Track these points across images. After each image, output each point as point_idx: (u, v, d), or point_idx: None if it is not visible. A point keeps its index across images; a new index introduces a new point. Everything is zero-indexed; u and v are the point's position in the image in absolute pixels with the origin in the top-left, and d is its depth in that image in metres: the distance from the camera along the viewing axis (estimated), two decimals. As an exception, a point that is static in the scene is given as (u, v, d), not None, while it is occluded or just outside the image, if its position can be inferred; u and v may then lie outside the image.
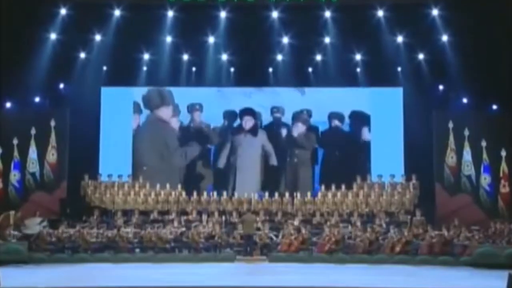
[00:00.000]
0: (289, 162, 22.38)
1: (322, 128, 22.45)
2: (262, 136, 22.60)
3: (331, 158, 22.27)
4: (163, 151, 22.40)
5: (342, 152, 22.19)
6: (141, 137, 22.44)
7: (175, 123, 22.63)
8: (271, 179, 22.09)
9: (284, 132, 22.52)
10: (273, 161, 22.32)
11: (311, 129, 22.47)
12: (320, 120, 22.43)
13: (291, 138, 22.50)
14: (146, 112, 22.56)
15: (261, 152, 22.46)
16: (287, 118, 22.53)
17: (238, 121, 22.56)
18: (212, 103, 22.45)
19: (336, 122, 22.34)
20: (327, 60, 21.38)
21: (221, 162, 22.33)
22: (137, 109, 22.47)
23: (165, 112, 22.60)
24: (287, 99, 22.54)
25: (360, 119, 22.22)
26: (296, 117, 22.51)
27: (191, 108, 22.50)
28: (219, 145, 22.49)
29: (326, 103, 22.20)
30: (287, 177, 22.28)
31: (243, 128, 22.60)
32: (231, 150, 22.44)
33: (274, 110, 22.62)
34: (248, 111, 22.56)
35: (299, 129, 22.47)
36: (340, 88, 22.18)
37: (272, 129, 22.62)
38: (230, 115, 22.61)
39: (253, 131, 22.59)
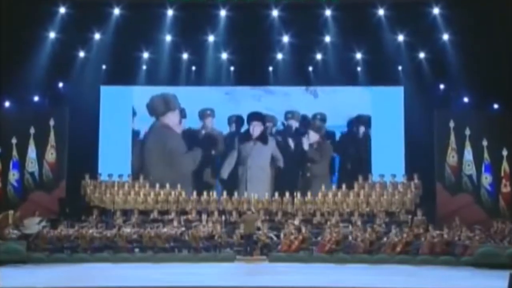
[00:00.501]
0: (302, 176, 21.71)
1: (335, 133, 21.99)
2: (272, 144, 21.94)
3: (345, 164, 21.89)
4: (170, 159, 21.91)
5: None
6: (145, 146, 22.09)
7: (181, 129, 22.23)
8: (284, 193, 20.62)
9: (298, 140, 21.91)
10: (281, 163, 21.88)
11: (327, 136, 21.98)
12: (331, 124, 22.04)
13: (308, 146, 21.89)
14: (150, 119, 22.18)
15: (270, 162, 21.86)
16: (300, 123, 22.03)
17: (246, 127, 22.04)
18: (220, 108, 22.04)
19: (355, 128, 21.93)
20: (328, 59, 21.31)
21: (228, 173, 21.73)
22: (136, 114, 22.19)
23: (171, 118, 22.22)
24: (299, 102, 22.09)
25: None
26: (311, 123, 22.01)
27: (203, 114, 22.12)
28: (225, 154, 21.95)
29: (330, 105, 21.97)
30: (300, 187, 21.19)
31: (251, 135, 22.05)
32: (239, 159, 21.83)
33: (288, 115, 22.10)
34: (256, 116, 21.97)
35: (315, 137, 21.90)
36: (340, 88, 22.10)
37: (285, 137, 22.03)
38: (237, 121, 22.07)
39: (263, 138, 21.94)
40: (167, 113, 22.27)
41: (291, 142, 22.10)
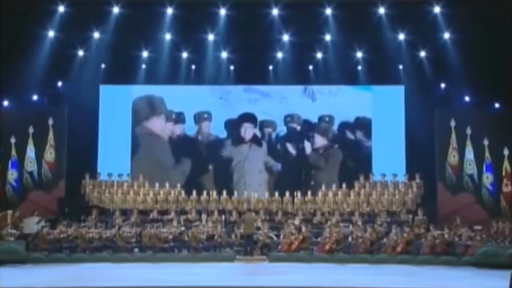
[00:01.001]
0: (306, 184, 21.15)
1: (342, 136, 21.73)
2: (264, 150, 21.46)
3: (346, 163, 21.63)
4: (155, 170, 21.30)
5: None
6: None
7: (168, 135, 21.74)
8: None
9: (301, 145, 21.56)
10: (277, 169, 21.59)
11: (335, 140, 21.67)
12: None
13: (311, 151, 21.57)
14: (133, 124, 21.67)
15: (265, 169, 21.46)
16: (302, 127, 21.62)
17: (240, 130, 21.70)
18: (213, 112, 21.77)
19: (355, 127, 21.73)
20: (328, 58, 21.24)
21: (224, 182, 21.20)
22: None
23: (156, 124, 21.82)
24: (296, 105, 21.81)
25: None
26: (316, 125, 21.65)
27: (199, 118, 21.81)
28: (219, 161, 21.59)
29: (329, 105, 21.82)
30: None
31: (243, 137, 21.66)
32: (234, 165, 21.44)
33: (287, 119, 21.73)
34: (248, 117, 21.62)
35: (322, 141, 21.59)
36: (340, 87, 22.00)
37: (286, 142, 21.63)
38: (231, 125, 21.70)
39: (257, 140, 21.49)
40: (151, 118, 21.92)
41: (291, 148, 21.80)
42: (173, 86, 22.04)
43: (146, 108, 21.93)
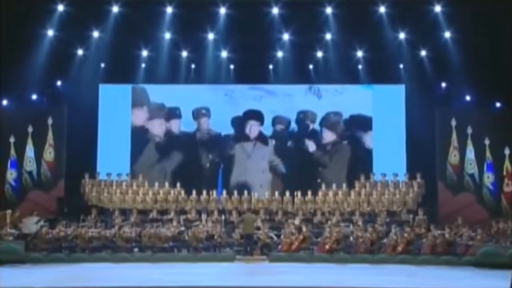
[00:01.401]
0: (312, 183, 20.75)
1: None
2: (271, 148, 21.28)
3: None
4: (138, 168, 21.14)
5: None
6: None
7: (157, 129, 21.63)
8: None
9: (311, 143, 21.46)
10: (281, 169, 21.52)
11: (344, 136, 21.53)
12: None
13: (316, 148, 21.45)
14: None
15: (270, 168, 21.29)
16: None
17: (245, 128, 21.58)
18: (217, 109, 21.65)
19: (355, 127, 21.65)
20: (328, 57, 21.19)
21: (224, 180, 20.99)
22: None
23: (138, 116, 21.74)
24: (301, 102, 21.71)
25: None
26: (325, 120, 21.46)
27: (197, 114, 21.73)
28: (220, 158, 21.50)
29: (330, 104, 21.77)
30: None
31: (247, 135, 21.60)
32: (235, 164, 21.28)
33: (300, 115, 21.58)
34: (254, 115, 21.47)
35: (331, 137, 21.48)
36: (341, 86, 21.95)
37: (297, 140, 21.52)
38: (237, 122, 21.57)
39: (262, 139, 21.41)
40: (132, 110, 21.82)
41: (302, 145, 21.65)
42: (173, 86, 21.98)
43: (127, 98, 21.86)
